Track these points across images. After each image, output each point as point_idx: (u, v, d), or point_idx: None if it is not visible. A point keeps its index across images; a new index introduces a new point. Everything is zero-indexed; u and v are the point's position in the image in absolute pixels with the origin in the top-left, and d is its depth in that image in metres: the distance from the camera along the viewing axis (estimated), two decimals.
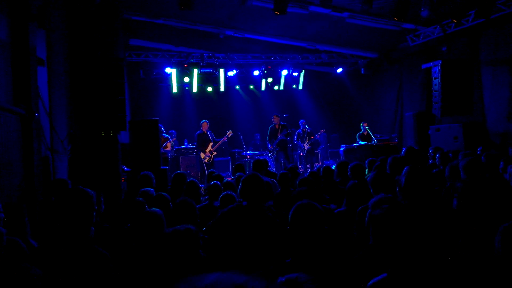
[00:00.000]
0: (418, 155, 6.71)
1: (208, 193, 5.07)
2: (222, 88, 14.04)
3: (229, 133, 11.66)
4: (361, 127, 11.97)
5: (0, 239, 2.33)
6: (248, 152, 12.91)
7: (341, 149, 11.31)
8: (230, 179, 8.62)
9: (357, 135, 11.96)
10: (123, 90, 6.95)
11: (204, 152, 11.28)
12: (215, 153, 11.34)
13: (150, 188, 4.84)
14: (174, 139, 11.79)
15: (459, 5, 8.81)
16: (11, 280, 2.16)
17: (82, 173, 6.25)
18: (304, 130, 12.28)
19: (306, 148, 12.30)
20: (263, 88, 14.75)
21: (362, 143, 11.45)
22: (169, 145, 11.26)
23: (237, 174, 6.71)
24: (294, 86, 15.40)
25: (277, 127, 11.54)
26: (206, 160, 11.23)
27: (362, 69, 13.67)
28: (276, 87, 14.83)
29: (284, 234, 3.46)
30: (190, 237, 2.36)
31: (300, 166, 12.77)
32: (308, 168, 12.02)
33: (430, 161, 6.81)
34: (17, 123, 4.66)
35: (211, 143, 11.33)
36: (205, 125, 11.45)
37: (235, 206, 3.42)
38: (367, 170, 6.68)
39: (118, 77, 6.82)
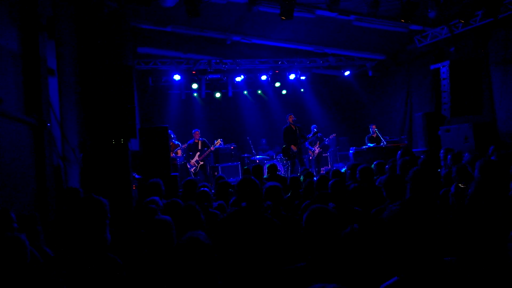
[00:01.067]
0: (413, 155, 6.69)
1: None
2: (230, 94, 14.18)
3: (217, 142, 11.52)
4: (370, 129, 11.92)
5: (23, 249, 2.36)
6: (258, 156, 12.93)
7: (351, 151, 11.27)
8: None
9: (366, 137, 11.92)
10: (133, 98, 7.01)
11: (189, 162, 11.06)
12: (201, 163, 11.06)
13: (156, 197, 4.84)
14: (185, 145, 11.78)
15: (466, 5, 8.77)
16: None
17: (93, 181, 6.31)
18: (315, 134, 12.26)
19: (316, 152, 12.29)
20: (271, 92, 14.80)
21: (371, 145, 11.40)
22: (179, 152, 11.29)
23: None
24: (302, 90, 15.46)
25: (293, 128, 11.06)
26: (192, 170, 11.00)
27: (370, 71, 13.63)
28: (284, 92, 14.90)
29: (286, 235, 3.49)
30: (204, 244, 2.36)
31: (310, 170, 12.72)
32: (322, 171, 11.98)
33: (442, 162, 6.76)
34: (28, 133, 4.73)
35: (198, 153, 11.12)
36: (197, 134, 11.27)
37: (234, 211, 3.46)
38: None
39: (127, 85, 6.88)
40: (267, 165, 7.99)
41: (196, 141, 11.21)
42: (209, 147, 11.24)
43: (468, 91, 8.92)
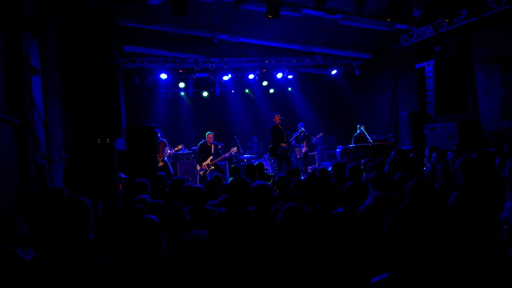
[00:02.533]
0: (407, 156, 6.77)
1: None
2: (217, 93, 14.16)
3: (233, 149, 11.43)
4: (358, 129, 11.97)
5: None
6: (245, 155, 12.93)
7: (338, 150, 11.32)
8: None
9: (354, 136, 11.96)
10: (119, 97, 6.95)
11: (201, 165, 10.88)
12: (212, 167, 10.86)
13: (145, 195, 4.83)
14: (177, 148, 11.57)
15: (451, 4, 8.87)
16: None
17: (79, 181, 6.24)
18: (302, 132, 12.30)
19: (303, 151, 12.32)
20: (258, 91, 14.82)
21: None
22: (166, 150, 11.19)
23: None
24: (290, 89, 15.51)
25: (280, 127, 10.95)
26: (201, 173, 10.83)
27: (357, 70, 13.72)
28: (271, 90, 14.93)
29: (272, 235, 3.52)
30: (207, 243, 2.34)
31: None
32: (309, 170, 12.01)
33: (425, 160, 6.84)
34: (11, 133, 4.65)
35: (211, 157, 10.88)
36: (210, 137, 11.03)
37: (224, 212, 3.48)
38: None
39: (113, 84, 6.82)
40: (254, 164, 7.98)
41: (209, 144, 11.00)
42: (218, 153, 11.08)
43: (452, 90, 9.03)
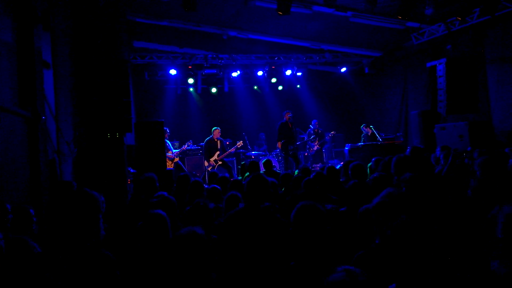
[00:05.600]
0: (423, 154, 6.68)
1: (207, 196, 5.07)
2: (226, 89, 14.16)
3: (239, 143, 11.44)
4: (364, 130, 11.96)
5: None
6: (253, 152, 12.93)
7: (346, 148, 11.28)
8: None
9: (362, 136, 11.93)
10: (128, 92, 6.98)
11: (208, 161, 10.88)
12: (220, 163, 10.84)
13: (163, 192, 4.82)
14: (184, 148, 11.50)
15: (463, 2, 8.77)
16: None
17: (88, 175, 6.27)
18: (316, 130, 12.27)
19: (315, 148, 12.30)
20: (267, 88, 14.81)
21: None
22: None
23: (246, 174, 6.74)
24: (298, 86, 15.46)
25: (290, 125, 10.94)
26: (209, 169, 10.75)
27: (366, 68, 13.62)
28: (280, 87, 14.90)
29: (288, 235, 3.46)
30: (197, 240, 2.34)
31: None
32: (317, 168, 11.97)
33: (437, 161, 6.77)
34: (23, 126, 4.68)
35: (218, 152, 10.88)
36: (216, 132, 11.01)
37: (242, 208, 3.41)
38: (371, 169, 6.65)
39: (123, 79, 6.85)
40: (262, 161, 7.99)
41: (215, 139, 11.01)
42: (225, 148, 11.09)
43: (464, 89, 8.94)
